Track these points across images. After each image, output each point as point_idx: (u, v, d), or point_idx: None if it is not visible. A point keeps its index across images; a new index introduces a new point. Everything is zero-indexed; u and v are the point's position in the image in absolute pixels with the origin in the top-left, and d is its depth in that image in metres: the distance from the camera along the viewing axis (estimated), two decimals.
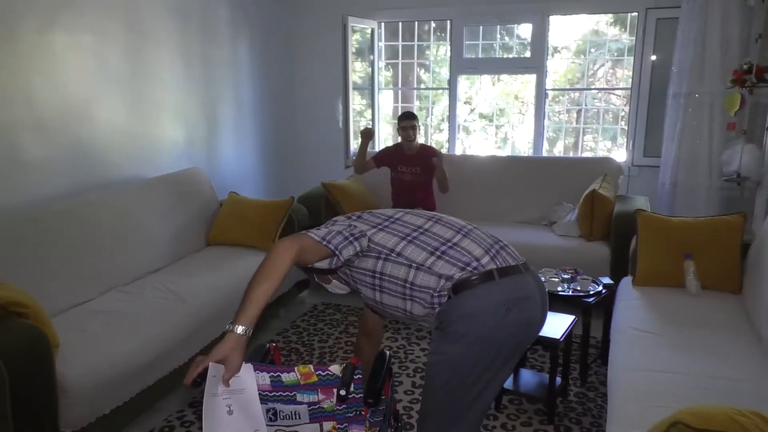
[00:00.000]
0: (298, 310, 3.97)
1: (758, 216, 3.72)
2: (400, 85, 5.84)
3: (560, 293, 3.02)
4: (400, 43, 5.50)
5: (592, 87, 5.69)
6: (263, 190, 5.08)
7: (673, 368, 2.20)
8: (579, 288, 3.02)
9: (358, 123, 5.44)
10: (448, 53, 5.16)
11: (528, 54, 4.97)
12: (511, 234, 4.03)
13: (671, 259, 3.00)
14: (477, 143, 7.11)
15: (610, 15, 5.18)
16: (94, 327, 2.58)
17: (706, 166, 4.23)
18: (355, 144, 5.23)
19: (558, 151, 5.95)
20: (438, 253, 1.70)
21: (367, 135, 4.22)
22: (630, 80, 4.76)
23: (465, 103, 6.61)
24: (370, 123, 5.44)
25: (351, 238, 1.70)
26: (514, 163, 4.68)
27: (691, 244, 2.99)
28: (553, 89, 5.41)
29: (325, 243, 1.64)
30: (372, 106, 5.41)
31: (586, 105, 5.44)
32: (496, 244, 1.76)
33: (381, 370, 1.74)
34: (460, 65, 5.06)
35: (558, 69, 6.01)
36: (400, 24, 5.41)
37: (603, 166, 4.28)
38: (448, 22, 5.10)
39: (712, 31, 4.11)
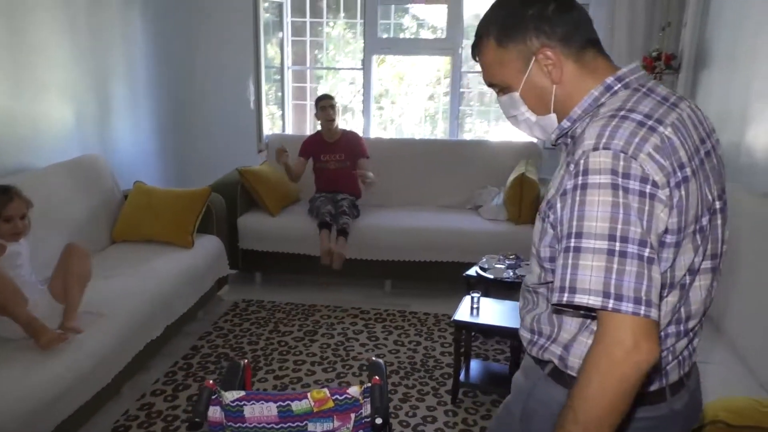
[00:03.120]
0: (219, 309, 3.63)
1: None
2: (308, 64, 5.52)
3: (506, 280, 3.00)
4: (308, 20, 5.20)
5: None
6: (165, 178, 4.59)
7: None
8: (523, 273, 3.00)
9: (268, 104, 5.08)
10: (350, 33, 4.95)
11: (435, 35, 4.90)
12: (439, 219, 3.97)
13: None
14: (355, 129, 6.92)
15: None
16: None
17: None
18: (269, 130, 4.93)
19: (441, 133, 5.88)
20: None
21: (281, 154, 3.98)
22: None
23: (350, 83, 6.38)
24: (280, 103, 5.12)
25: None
26: (435, 146, 4.61)
27: None
28: (471, 71, 5.38)
29: (644, 312, 0.88)
30: (281, 86, 5.08)
31: (469, 87, 5.43)
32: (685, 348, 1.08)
33: (384, 382, 1.55)
34: (375, 45, 4.88)
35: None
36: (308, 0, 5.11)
37: (524, 149, 4.32)
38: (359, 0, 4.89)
39: (620, 18, 4.26)
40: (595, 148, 0.92)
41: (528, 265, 2.99)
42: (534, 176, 3.89)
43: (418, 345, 3.22)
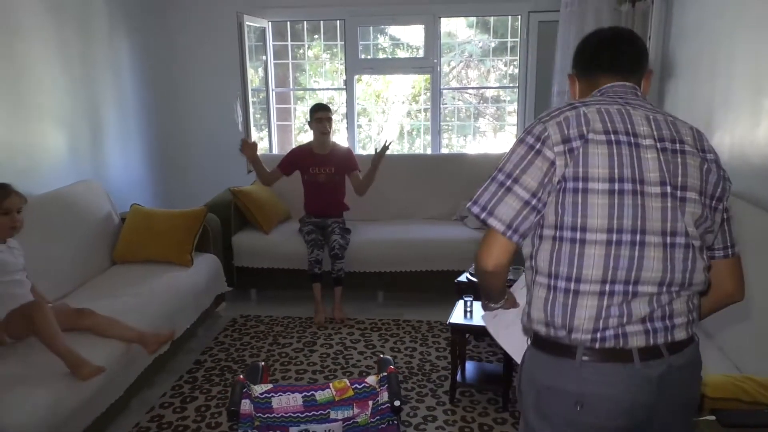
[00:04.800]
0: (218, 325, 3.72)
1: None
2: (291, 86, 5.69)
3: None
4: (289, 43, 5.37)
5: (486, 86, 5.94)
6: (156, 200, 4.69)
7: None
8: (511, 277, 3.15)
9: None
10: (326, 54, 5.12)
11: (411, 54, 5.11)
12: (428, 231, 4.12)
13: None
14: (343, 144, 7.03)
15: (472, 18, 5.45)
16: (13, 370, 2.23)
17: None
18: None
19: (419, 149, 6.04)
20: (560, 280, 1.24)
21: (249, 148, 3.90)
22: (516, 77, 5.07)
23: (328, 103, 6.50)
24: (264, 124, 5.26)
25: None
26: (419, 160, 4.79)
27: None
28: (449, 88, 5.60)
29: (483, 216, 1.27)
30: (267, 108, 5.22)
31: (445, 104, 5.57)
32: (649, 304, 1.21)
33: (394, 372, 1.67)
34: (356, 65, 5.06)
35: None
36: (288, 24, 5.28)
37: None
38: (338, 22, 5.08)
39: (589, 32, 4.49)
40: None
41: (516, 269, 3.16)
42: None
43: (414, 350, 3.35)
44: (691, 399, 1.29)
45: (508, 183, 1.23)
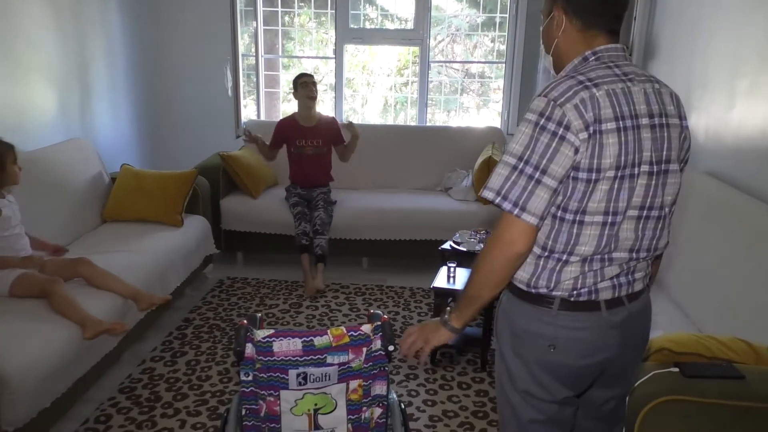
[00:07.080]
0: (205, 286, 3.80)
1: None
2: (280, 53, 5.68)
3: (478, 252, 3.27)
4: (279, 9, 5.36)
5: (474, 60, 5.98)
6: (144, 162, 4.71)
7: None
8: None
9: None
10: (314, 23, 5.14)
11: (399, 25, 5.15)
12: (412, 201, 4.23)
13: None
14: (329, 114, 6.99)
15: None
16: (12, 318, 2.29)
17: None
18: (245, 116, 5.07)
19: (404, 122, 6.07)
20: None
21: (253, 140, 4.02)
22: (504, 53, 5.15)
23: (312, 72, 6.46)
24: (253, 90, 5.27)
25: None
26: (406, 132, 4.86)
27: None
28: (437, 61, 5.65)
29: (516, 212, 1.24)
30: (256, 74, 5.23)
31: (431, 79, 5.57)
32: (623, 265, 1.34)
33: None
34: (346, 35, 5.08)
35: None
36: None
37: (489, 134, 4.61)
38: None
39: None
40: (539, 95, 1.25)
41: None
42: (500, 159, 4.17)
43: (397, 314, 3.48)
44: (645, 336, 1.48)
45: (537, 175, 1.21)
